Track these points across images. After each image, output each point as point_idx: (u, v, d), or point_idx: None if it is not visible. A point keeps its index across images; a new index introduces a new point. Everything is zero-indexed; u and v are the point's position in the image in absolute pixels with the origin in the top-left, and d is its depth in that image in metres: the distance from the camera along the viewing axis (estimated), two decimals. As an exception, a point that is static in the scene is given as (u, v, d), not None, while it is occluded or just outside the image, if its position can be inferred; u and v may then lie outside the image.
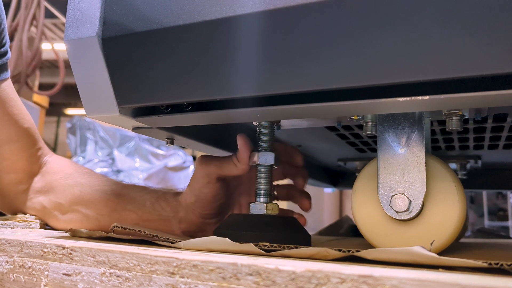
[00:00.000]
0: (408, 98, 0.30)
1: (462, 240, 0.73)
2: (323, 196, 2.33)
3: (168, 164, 2.51)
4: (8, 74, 0.57)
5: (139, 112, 0.39)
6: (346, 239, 0.60)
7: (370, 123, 0.41)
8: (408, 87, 0.30)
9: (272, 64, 0.31)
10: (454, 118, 0.36)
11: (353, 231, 0.76)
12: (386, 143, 0.40)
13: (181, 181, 2.55)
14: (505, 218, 3.36)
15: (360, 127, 0.51)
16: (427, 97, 0.29)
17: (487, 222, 3.35)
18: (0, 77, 0.54)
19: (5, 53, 0.56)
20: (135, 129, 0.43)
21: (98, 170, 2.39)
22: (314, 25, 0.29)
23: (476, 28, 0.26)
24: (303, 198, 0.53)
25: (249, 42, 0.32)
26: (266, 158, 0.41)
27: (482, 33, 0.26)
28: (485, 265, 0.25)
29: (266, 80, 0.32)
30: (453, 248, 0.39)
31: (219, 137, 0.51)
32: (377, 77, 0.29)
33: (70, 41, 0.37)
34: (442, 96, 0.29)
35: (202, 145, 0.49)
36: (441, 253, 0.39)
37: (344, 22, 0.29)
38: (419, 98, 0.29)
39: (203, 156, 0.47)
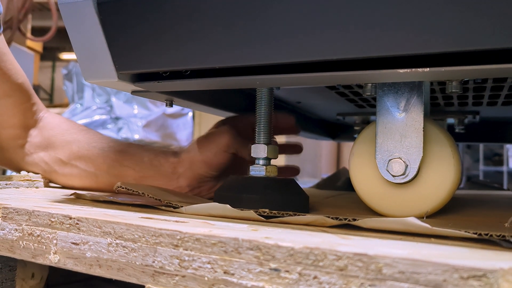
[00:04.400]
0: (408, 70, 0.30)
1: (457, 192, 0.75)
2: (321, 143, 2.35)
3: (166, 111, 2.51)
4: (1, 29, 0.55)
5: (138, 78, 0.39)
6: (344, 195, 0.61)
7: (370, 84, 0.40)
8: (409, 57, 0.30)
9: (271, 32, 0.31)
10: (454, 81, 0.36)
11: (350, 184, 0.78)
12: (385, 107, 0.40)
13: (180, 128, 2.56)
14: (500, 163, 3.41)
15: (360, 86, 0.50)
16: (428, 69, 0.29)
17: (482, 167, 3.40)
18: None
19: None
20: (134, 92, 0.43)
21: (97, 117, 2.40)
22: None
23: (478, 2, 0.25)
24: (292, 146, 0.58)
25: (249, 9, 0.31)
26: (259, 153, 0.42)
27: (484, 7, 0.25)
28: (475, 236, 0.26)
29: (266, 48, 0.31)
30: (448, 205, 0.40)
31: (218, 97, 0.51)
32: (378, 49, 0.28)
33: (64, 5, 0.36)
34: (443, 68, 0.29)
35: (201, 106, 0.49)
36: (436, 213, 0.40)
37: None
38: (420, 70, 0.29)
39: (229, 128, 0.49)
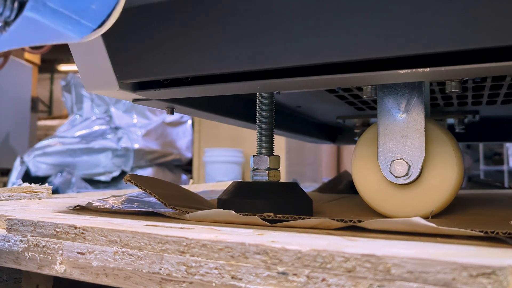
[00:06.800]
0: (409, 71, 0.30)
1: (459, 192, 0.74)
2: (321, 147, 2.35)
3: (166, 120, 2.51)
4: None
5: (139, 86, 0.39)
6: (346, 198, 0.61)
7: (370, 86, 0.41)
8: (409, 58, 0.30)
9: (271, 37, 0.31)
10: (453, 81, 0.37)
11: (353, 187, 0.78)
12: (386, 109, 0.40)
13: (180, 136, 2.56)
14: (501, 163, 3.40)
15: (360, 88, 0.51)
16: (428, 69, 0.29)
17: (482, 167, 3.39)
18: None
19: None
20: (135, 101, 0.43)
21: (96, 127, 2.40)
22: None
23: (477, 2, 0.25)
24: None
25: (248, 15, 0.31)
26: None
27: (483, 7, 0.25)
28: (481, 234, 0.26)
29: (266, 53, 0.31)
30: (451, 205, 0.40)
31: (218, 104, 0.51)
32: (379, 50, 0.28)
33: (64, 16, 0.36)
34: (443, 68, 0.29)
35: (202, 112, 0.49)
36: (440, 213, 0.40)
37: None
38: (420, 70, 0.29)
39: None
